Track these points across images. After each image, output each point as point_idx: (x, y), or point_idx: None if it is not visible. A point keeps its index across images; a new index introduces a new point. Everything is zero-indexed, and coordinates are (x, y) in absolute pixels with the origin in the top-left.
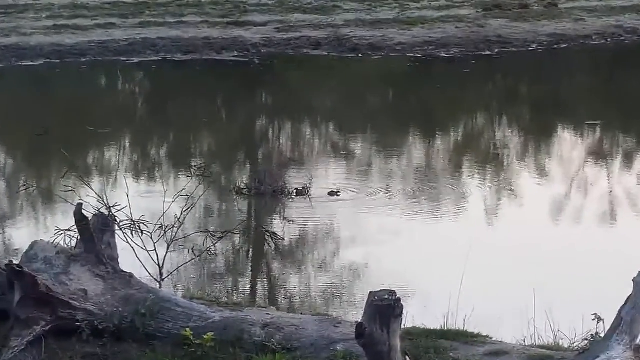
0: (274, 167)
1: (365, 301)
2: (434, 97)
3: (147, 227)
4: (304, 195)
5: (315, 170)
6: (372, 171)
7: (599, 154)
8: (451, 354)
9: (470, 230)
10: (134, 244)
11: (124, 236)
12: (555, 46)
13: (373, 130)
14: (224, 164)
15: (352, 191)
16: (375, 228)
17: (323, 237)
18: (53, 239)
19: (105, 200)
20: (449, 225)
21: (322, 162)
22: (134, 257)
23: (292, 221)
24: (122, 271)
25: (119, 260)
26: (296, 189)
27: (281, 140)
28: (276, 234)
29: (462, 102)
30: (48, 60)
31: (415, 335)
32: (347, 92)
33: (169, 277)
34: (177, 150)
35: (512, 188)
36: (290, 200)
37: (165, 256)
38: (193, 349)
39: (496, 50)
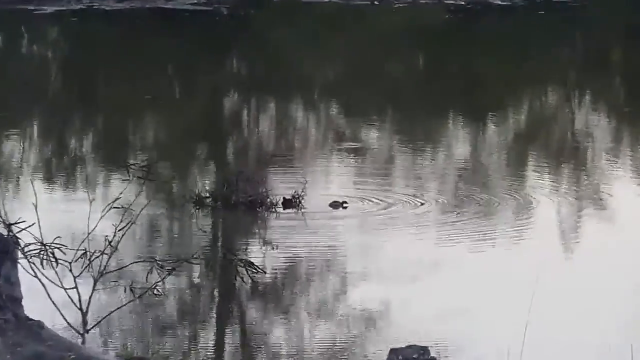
0: (251, 167)
1: None
2: (483, 65)
3: (65, 254)
4: (295, 207)
5: (311, 171)
6: (393, 173)
7: None
8: None
9: (536, 261)
10: (46, 279)
11: (31, 267)
12: None
13: (395, 114)
14: (177, 163)
15: (364, 202)
16: (397, 257)
17: (321, 271)
18: None
19: (1, 215)
20: (506, 253)
21: (322, 160)
22: (45, 298)
23: (277, 246)
24: (29, 319)
25: (24, 302)
26: (284, 198)
27: (262, 128)
28: (253, 264)
29: (527, 72)
30: None
31: None
32: (357, 58)
33: (97, 327)
34: (109, 142)
35: (600, 198)
36: (276, 215)
37: (91, 296)
38: None
39: None
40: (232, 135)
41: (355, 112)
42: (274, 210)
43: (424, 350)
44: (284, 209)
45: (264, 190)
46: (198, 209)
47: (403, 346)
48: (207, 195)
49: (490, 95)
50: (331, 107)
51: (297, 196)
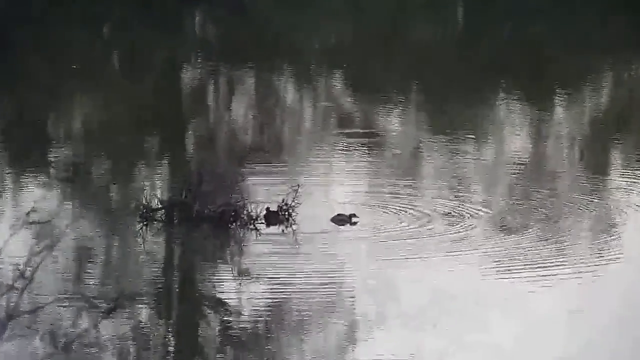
0: (220, 165)
1: None
2: (542, 30)
3: None
4: (284, 223)
5: (306, 171)
6: (421, 173)
7: None
8: None
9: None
10: None
11: None
12: None
13: (422, 91)
14: (117, 159)
15: (381, 215)
16: (429, 300)
17: (319, 317)
18: None
19: None
20: (584, 291)
21: (321, 155)
22: None
23: (257, 279)
24: None
25: None
26: (268, 210)
27: (236, 110)
28: (224, 303)
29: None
30: None
31: None
32: (369, 14)
33: None
34: (18, 129)
35: None
36: (256, 233)
37: None
38: None
39: None
40: (193, 120)
41: (367, 88)
42: (253, 226)
43: None
44: (267, 225)
45: (239, 198)
46: (145, 225)
47: None
48: (159, 205)
49: (556, 66)
50: (333, 81)
51: (286, 207)
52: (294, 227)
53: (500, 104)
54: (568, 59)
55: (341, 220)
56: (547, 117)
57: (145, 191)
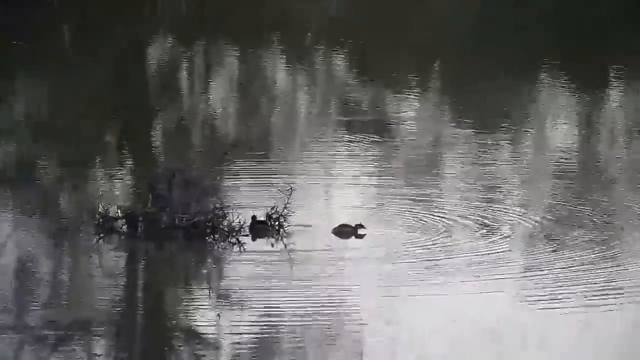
0: (195, 164)
1: None
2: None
3: None
4: (273, 235)
5: (300, 171)
6: (443, 173)
7: None
8: None
9: None
10: None
11: None
12: None
13: (443, 74)
14: (67, 157)
15: (395, 226)
16: (461, 336)
17: (318, 354)
18: None
19: None
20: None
21: (319, 152)
22: None
23: (240, 306)
24: None
25: None
26: (254, 219)
27: (214, 97)
28: (199, 335)
29: None
30: None
31: None
32: None
33: None
34: None
35: None
36: (239, 248)
37: None
38: None
39: None
40: (161, 109)
41: (375, 69)
42: (235, 240)
43: None
44: (253, 239)
45: (217, 204)
46: (102, 238)
47: None
48: (118, 214)
49: (612, 36)
50: (334, 60)
51: (276, 215)
52: (285, 241)
53: (541, 87)
54: (627, 26)
55: (345, 232)
56: (599, 103)
57: (102, 197)
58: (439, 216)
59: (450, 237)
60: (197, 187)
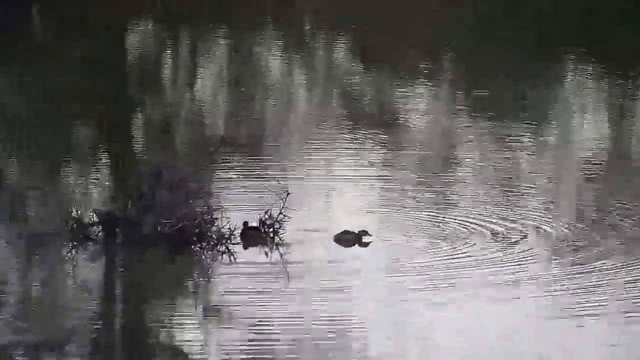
0: (180, 163)
1: None
2: None
3: None
4: (267, 243)
5: (298, 170)
6: (458, 172)
7: None
8: None
9: None
10: None
11: None
12: None
13: (462, 51)
14: (27, 149)
15: (405, 232)
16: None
17: None
18: None
19: None
20: None
21: (318, 149)
22: None
23: (231, 321)
24: None
25: None
26: (245, 225)
27: (202, 89)
28: (186, 356)
29: None
30: None
31: None
32: None
33: None
34: None
35: None
36: (230, 258)
37: None
38: None
39: None
40: (143, 103)
41: (382, 57)
42: (225, 249)
43: None
44: (245, 247)
45: (205, 209)
46: (77, 247)
47: None
48: (95, 220)
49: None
50: (336, 47)
51: (270, 221)
52: (281, 250)
53: (566, 75)
54: None
55: (348, 239)
56: (632, 92)
57: (76, 200)
58: (452, 222)
59: (465, 245)
60: (183, 188)
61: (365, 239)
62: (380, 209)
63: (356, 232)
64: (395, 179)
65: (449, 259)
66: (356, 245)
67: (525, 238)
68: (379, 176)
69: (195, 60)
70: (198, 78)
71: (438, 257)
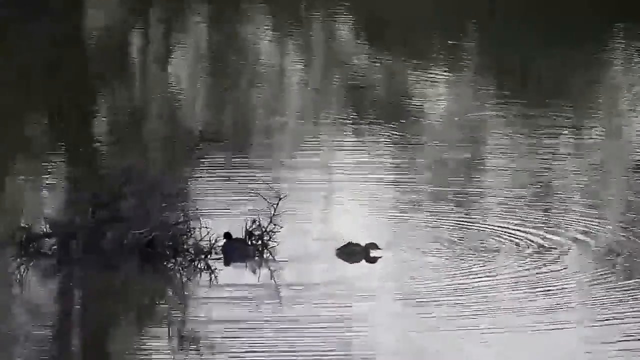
0: (150, 165)
1: None
2: None
3: None
4: (254, 257)
5: (292, 172)
6: (490, 170)
7: None
8: None
9: None
10: None
11: None
12: None
13: (488, 28)
14: None
15: (422, 243)
16: None
17: None
18: None
19: None
20: None
21: (317, 147)
22: None
23: (209, 353)
24: None
25: None
26: (228, 236)
27: (176, 71)
28: None
29: None
30: None
31: None
32: None
33: None
34: None
35: None
36: (210, 276)
37: None
38: None
39: None
40: (107, 92)
41: (391, 36)
42: (204, 265)
43: None
44: (227, 263)
45: (180, 217)
46: (26, 262)
47: None
48: (48, 230)
49: None
50: (336, 23)
51: (259, 232)
52: (272, 267)
53: (613, 57)
54: None
55: (353, 253)
56: None
57: (26, 207)
58: (477, 231)
59: (492, 259)
60: (154, 193)
61: (373, 253)
62: (392, 217)
63: (363, 244)
64: (409, 181)
65: (476, 278)
66: (363, 260)
67: (565, 252)
68: (389, 178)
69: (169, 40)
70: (172, 61)
71: (463, 275)
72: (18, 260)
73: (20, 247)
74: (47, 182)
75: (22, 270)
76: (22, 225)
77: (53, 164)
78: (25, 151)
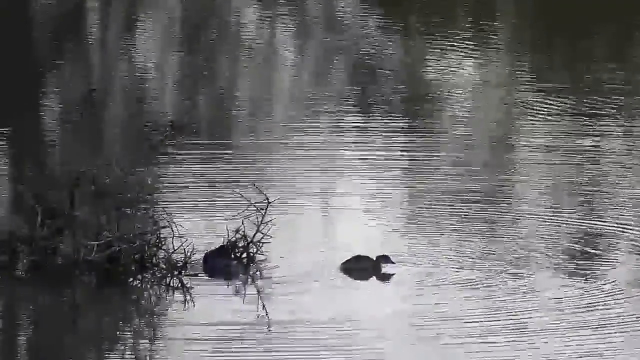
0: (113, 160)
1: None
2: None
3: None
4: (237, 274)
5: (284, 168)
6: (524, 167)
7: None
8: None
9: None
10: None
11: None
12: None
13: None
14: None
15: (442, 257)
16: None
17: None
18: None
19: None
20: None
21: (314, 139)
22: None
23: None
24: None
25: None
26: (209, 252)
27: (141, 46)
28: None
29: None
30: None
31: None
32: None
33: None
34: None
35: None
36: (185, 295)
37: None
38: None
39: None
40: (58, 71)
41: (406, 12)
42: (178, 283)
43: None
44: (209, 273)
45: (150, 225)
46: None
47: None
48: None
49: None
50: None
51: (244, 243)
52: (260, 286)
53: None
54: None
55: (361, 269)
56: None
57: None
58: (507, 243)
59: (523, 276)
60: (115, 197)
61: (385, 268)
62: (407, 224)
63: (373, 258)
64: (427, 181)
65: (499, 293)
66: (373, 277)
67: (607, 264)
68: (404, 177)
69: (133, 9)
70: (137, 35)
71: (485, 291)
72: None
73: None
74: None
75: None
76: None
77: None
78: None
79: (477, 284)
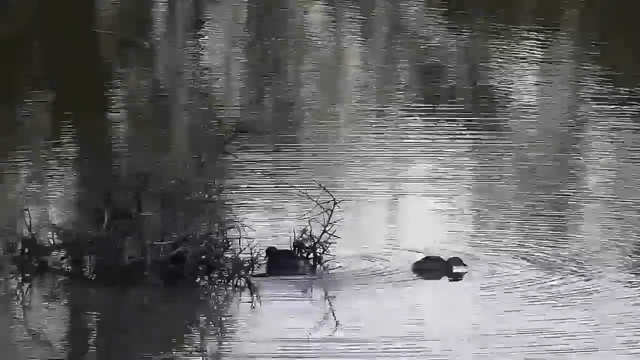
0: (177, 161)
1: None
2: None
3: None
4: (305, 272)
5: (350, 170)
6: (592, 176)
7: None
8: None
9: None
10: None
11: None
12: None
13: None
14: None
15: (517, 258)
16: None
17: None
18: None
19: None
20: None
21: (381, 139)
22: None
23: None
24: None
25: None
26: (271, 251)
27: (209, 45)
28: None
29: None
30: None
31: None
32: None
33: None
34: None
35: None
36: (252, 297)
37: None
38: None
39: None
40: (120, 73)
41: (470, 12)
42: (245, 284)
43: None
44: (276, 273)
45: (215, 226)
46: (27, 280)
47: None
48: (53, 241)
49: None
50: None
51: (311, 244)
52: (327, 285)
53: None
54: None
55: (432, 270)
56: None
57: (27, 213)
58: (575, 246)
59: (616, 283)
60: (181, 199)
61: (456, 269)
62: (476, 227)
63: (445, 259)
64: (497, 182)
65: (568, 294)
66: (445, 278)
67: None
68: (472, 178)
69: (198, 10)
70: (202, 35)
71: (554, 292)
72: (19, 277)
73: (21, 261)
74: (55, 184)
75: (24, 288)
76: (25, 235)
77: (61, 162)
78: (25, 142)
79: (535, 281)
